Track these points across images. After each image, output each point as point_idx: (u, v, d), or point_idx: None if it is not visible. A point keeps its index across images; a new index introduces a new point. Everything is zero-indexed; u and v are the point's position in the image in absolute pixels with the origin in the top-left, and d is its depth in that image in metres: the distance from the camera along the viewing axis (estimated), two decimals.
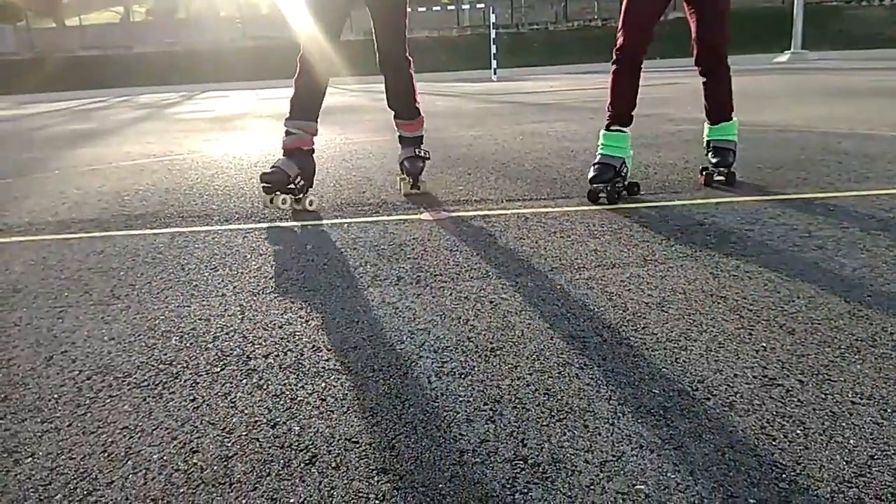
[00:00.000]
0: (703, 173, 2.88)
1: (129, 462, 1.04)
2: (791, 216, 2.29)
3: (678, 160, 3.45)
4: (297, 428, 1.12)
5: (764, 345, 1.34)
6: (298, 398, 1.22)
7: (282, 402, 1.20)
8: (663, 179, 3.01)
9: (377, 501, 0.93)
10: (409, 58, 2.83)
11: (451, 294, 1.71)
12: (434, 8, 20.05)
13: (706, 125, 2.93)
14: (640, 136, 4.36)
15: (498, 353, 1.36)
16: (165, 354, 1.43)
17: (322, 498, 0.94)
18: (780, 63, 15.08)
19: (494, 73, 15.13)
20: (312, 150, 2.75)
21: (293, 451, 1.05)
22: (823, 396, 1.14)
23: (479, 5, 19.21)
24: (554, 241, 2.14)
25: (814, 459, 0.97)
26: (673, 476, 0.95)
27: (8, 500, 0.97)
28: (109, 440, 1.11)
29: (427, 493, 0.94)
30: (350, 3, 2.75)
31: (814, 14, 17.84)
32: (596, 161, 2.62)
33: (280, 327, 1.55)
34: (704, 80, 2.83)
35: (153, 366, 1.38)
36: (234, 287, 1.84)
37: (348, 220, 2.54)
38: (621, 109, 2.64)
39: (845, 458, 0.97)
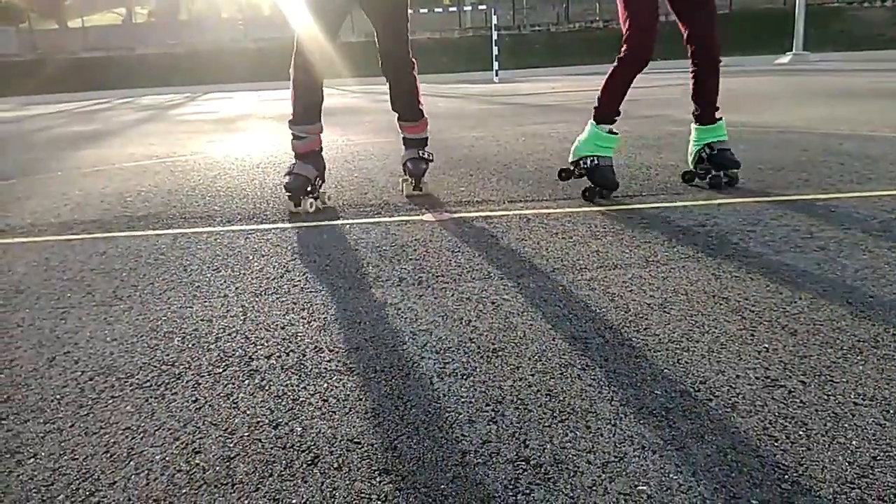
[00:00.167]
0: (709, 178, 2.83)
1: (131, 463, 1.05)
2: (793, 217, 2.29)
3: (680, 161, 3.44)
4: (299, 428, 1.12)
5: (766, 346, 1.34)
6: (300, 399, 1.22)
7: (284, 403, 1.21)
8: (665, 181, 3.01)
9: (379, 502, 0.93)
10: (413, 60, 2.83)
11: (453, 295, 1.71)
12: (436, 9, 20.04)
13: (696, 128, 2.85)
14: (641, 137, 4.36)
15: (500, 353, 1.36)
16: (168, 355, 1.43)
17: (324, 499, 0.94)
18: (781, 64, 15.07)
19: (496, 75, 15.13)
20: (321, 149, 2.82)
21: (295, 452, 1.05)
22: (826, 397, 1.14)
23: (480, 7, 19.23)
24: (556, 242, 2.14)
25: (816, 460, 0.97)
26: (675, 477, 0.95)
27: (10, 501, 0.97)
28: (112, 441, 1.11)
29: (429, 494, 0.94)
30: (350, 2, 2.75)
31: (815, 15, 17.81)
32: (599, 163, 2.61)
33: (282, 328, 1.55)
34: (699, 79, 2.78)
35: (155, 366, 1.38)
36: (237, 288, 1.85)
37: (350, 222, 2.54)
38: (614, 108, 2.64)
39: (848, 459, 0.97)
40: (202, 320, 1.62)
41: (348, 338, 1.48)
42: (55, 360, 1.44)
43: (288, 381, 1.29)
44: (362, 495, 0.94)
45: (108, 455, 1.07)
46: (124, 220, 2.75)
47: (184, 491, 0.97)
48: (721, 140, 2.81)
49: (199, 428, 1.14)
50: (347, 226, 2.48)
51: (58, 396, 1.27)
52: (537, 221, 2.41)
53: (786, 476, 0.94)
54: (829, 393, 1.15)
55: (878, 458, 0.97)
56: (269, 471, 1.01)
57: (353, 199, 2.93)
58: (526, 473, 0.97)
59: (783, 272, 1.76)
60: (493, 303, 1.64)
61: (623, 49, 2.55)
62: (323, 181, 2.84)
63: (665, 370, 1.26)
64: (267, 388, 1.27)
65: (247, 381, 1.30)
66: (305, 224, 2.55)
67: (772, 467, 0.96)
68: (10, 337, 1.58)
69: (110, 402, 1.24)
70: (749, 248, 1.97)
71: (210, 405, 1.21)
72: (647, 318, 1.50)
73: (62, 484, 1.00)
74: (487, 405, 1.17)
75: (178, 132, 6.71)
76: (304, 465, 1.02)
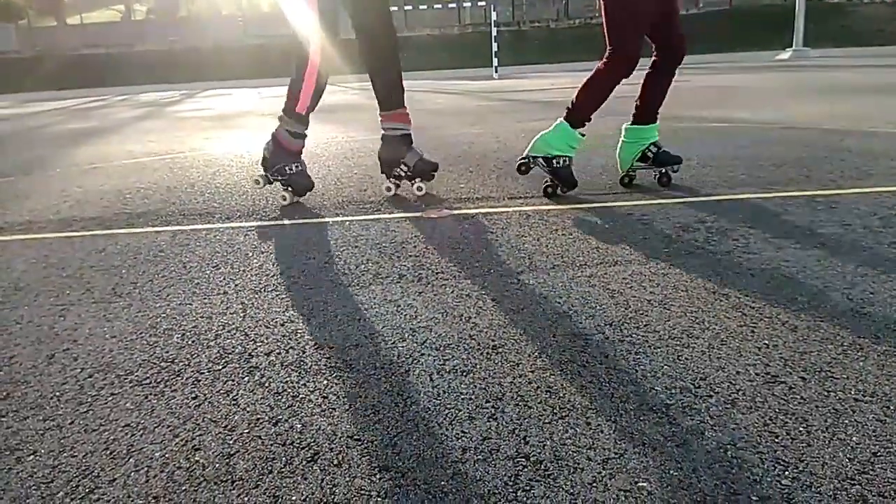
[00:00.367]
0: (658, 176, 2.80)
1: (130, 460, 1.05)
2: (793, 213, 2.29)
3: None
4: (298, 425, 1.12)
5: (766, 342, 1.34)
6: (300, 396, 1.22)
7: (283, 400, 1.20)
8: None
9: (379, 499, 0.93)
10: (394, 34, 2.77)
11: (452, 291, 1.71)
12: (435, 6, 20.02)
13: (636, 127, 2.77)
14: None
15: (500, 350, 1.36)
16: (167, 352, 1.43)
17: (324, 495, 0.94)
18: (781, 60, 15.06)
19: (496, 71, 15.12)
20: None
21: (295, 449, 1.05)
22: (826, 394, 1.14)
23: (480, 3, 19.18)
24: (555, 238, 2.14)
25: (816, 457, 0.97)
26: (675, 473, 0.95)
27: (10, 498, 0.97)
28: (111, 438, 1.11)
29: (429, 491, 0.94)
30: None
31: (815, 11, 17.80)
32: (569, 163, 2.66)
33: (282, 325, 1.55)
34: (657, 78, 2.70)
35: (155, 363, 1.38)
36: (236, 285, 1.84)
37: (350, 218, 2.54)
38: (590, 114, 2.67)
39: (848, 456, 0.97)
40: (202, 317, 1.62)
41: (348, 334, 1.48)
42: (54, 357, 1.44)
43: (288, 378, 1.29)
44: (362, 492, 0.94)
45: (108, 452, 1.07)
46: (123, 217, 2.75)
47: (183, 488, 0.97)
48: (656, 139, 2.79)
49: (198, 425, 1.13)
50: (347, 222, 2.48)
51: (57, 393, 1.27)
52: (537, 218, 2.41)
53: (786, 472, 0.94)
54: (830, 389, 1.15)
55: (879, 454, 0.97)
56: (269, 468, 1.01)
57: (353, 196, 2.92)
58: (526, 470, 0.97)
59: (784, 268, 1.76)
60: (492, 299, 1.64)
61: (626, 63, 2.51)
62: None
63: (665, 366, 1.26)
64: (267, 384, 1.27)
65: (246, 378, 1.29)
66: (305, 221, 2.54)
67: (772, 463, 0.96)
68: (9, 334, 1.58)
69: (110, 399, 1.24)
70: (749, 245, 1.97)
71: (210, 402, 1.21)
72: (647, 315, 1.50)
73: (62, 481, 1.00)
74: (487, 402, 1.16)
75: (177, 129, 6.70)
76: (304, 462, 1.02)
